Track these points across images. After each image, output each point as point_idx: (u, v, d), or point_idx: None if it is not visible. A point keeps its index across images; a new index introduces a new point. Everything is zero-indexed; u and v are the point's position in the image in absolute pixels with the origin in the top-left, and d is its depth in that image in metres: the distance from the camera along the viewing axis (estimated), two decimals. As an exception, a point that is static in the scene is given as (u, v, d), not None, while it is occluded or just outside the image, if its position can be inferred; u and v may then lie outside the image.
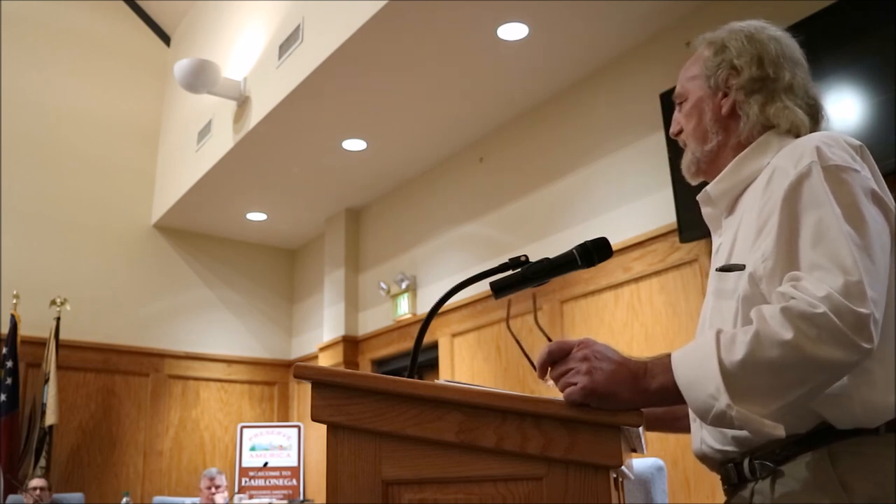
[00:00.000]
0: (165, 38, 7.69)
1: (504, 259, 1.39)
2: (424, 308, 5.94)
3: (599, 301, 4.47)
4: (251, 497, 6.20)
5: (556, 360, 1.14)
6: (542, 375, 1.16)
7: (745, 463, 1.21)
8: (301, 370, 1.15)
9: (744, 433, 1.16)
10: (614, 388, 1.07)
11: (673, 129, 1.49)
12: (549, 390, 1.17)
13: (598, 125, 4.71)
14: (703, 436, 1.29)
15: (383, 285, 6.24)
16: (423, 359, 5.70)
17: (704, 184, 1.42)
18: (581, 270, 1.34)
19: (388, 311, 6.23)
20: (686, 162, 1.45)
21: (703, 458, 1.31)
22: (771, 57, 1.35)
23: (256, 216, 6.99)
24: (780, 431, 1.04)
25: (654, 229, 4.19)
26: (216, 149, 5.97)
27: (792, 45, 1.38)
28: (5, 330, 5.93)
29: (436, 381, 1.19)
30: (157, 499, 5.73)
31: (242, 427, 6.74)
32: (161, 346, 6.89)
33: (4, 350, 5.85)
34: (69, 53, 7.01)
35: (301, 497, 6.49)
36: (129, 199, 7.05)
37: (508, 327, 1.47)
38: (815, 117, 1.35)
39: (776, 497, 1.16)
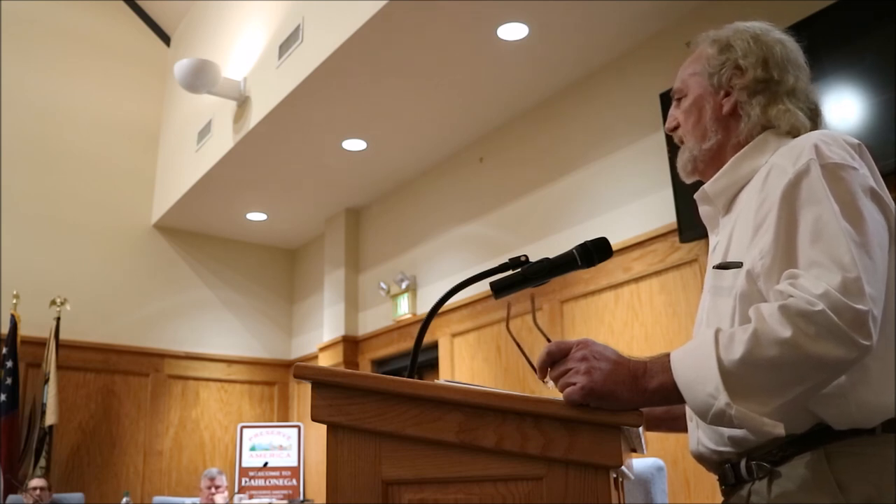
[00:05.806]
0: (165, 38, 7.69)
1: (504, 259, 1.39)
2: (424, 308, 5.94)
3: (599, 301, 4.47)
4: (251, 497, 6.20)
5: (555, 361, 1.14)
6: (543, 377, 1.16)
7: (742, 463, 1.21)
8: (301, 370, 1.15)
9: (740, 433, 1.16)
10: (613, 387, 1.07)
11: (669, 124, 1.47)
12: (549, 391, 1.17)
13: (598, 125, 4.71)
14: (699, 436, 1.29)
15: (383, 285, 6.24)
16: (423, 359, 5.70)
17: (701, 182, 1.41)
18: (581, 270, 1.34)
19: (388, 311, 6.23)
20: (683, 160, 1.43)
21: (700, 458, 1.31)
22: (776, 59, 1.35)
23: (256, 216, 6.99)
24: (779, 430, 1.04)
25: (654, 229, 4.19)
26: (216, 149, 5.96)
27: (796, 49, 1.38)
28: (5, 330, 5.93)
29: (436, 381, 1.19)
30: (157, 499, 5.73)
31: (242, 427, 6.74)
32: (161, 346, 6.89)
33: (4, 350, 5.85)
34: (69, 53, 7.00)
35: (301, 497, 6.49)
36: (129, 199, 7.05)
37: (508, 329, 1.46)
38: (814, 121, 1.35)
39: (773, 497, 1.16)
